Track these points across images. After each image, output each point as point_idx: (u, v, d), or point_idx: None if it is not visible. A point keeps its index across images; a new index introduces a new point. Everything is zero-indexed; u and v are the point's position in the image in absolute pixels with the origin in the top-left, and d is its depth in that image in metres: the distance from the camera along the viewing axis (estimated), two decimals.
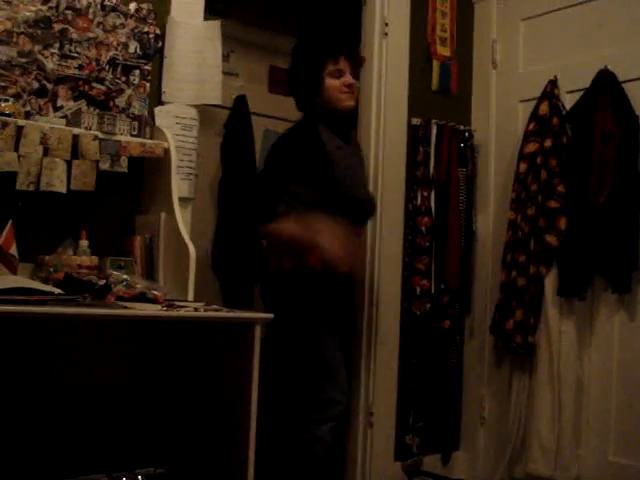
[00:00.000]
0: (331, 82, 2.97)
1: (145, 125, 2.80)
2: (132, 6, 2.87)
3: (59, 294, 2.05)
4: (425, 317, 3.76)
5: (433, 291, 3.76)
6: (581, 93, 3.53)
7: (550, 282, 3.50)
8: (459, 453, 3.96)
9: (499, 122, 3.98)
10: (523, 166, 3.63)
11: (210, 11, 3.27)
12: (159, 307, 2.18)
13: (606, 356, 3.45)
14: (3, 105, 2.48)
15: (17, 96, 2.58)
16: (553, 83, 3.61)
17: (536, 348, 3.55)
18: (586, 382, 3.50)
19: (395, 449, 3.74)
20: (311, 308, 2.89)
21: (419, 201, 3.76)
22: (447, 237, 3.80)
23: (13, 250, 2.40)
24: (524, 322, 3.55)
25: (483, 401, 3.91)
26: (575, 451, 3.48)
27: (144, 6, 2.90)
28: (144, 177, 2.84)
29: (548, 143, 3.53)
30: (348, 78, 2.98)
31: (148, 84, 2.90)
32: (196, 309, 2.22)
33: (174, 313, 2.15)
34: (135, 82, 2.86)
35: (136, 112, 2.83)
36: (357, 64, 3.09)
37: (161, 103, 2.94)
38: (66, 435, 2.15)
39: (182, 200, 2.81)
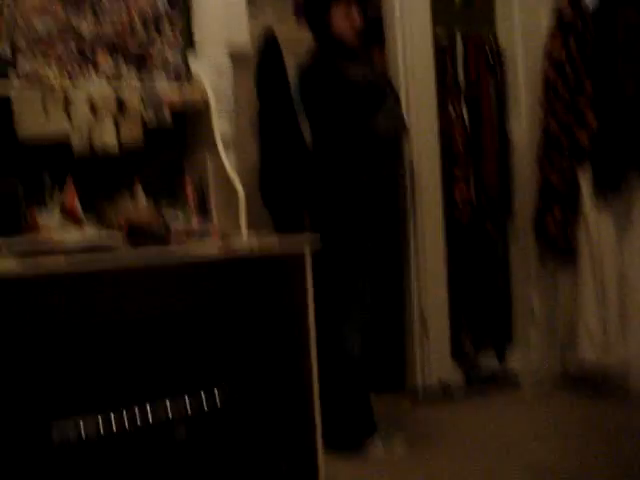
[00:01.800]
0: (338, 21, 3.17)
1: (181, 74, 2.95)
2: None
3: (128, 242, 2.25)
4: (469, 222, 3.91)
5: (474, 198, 3.90)
6: None
7: (585, 178, 3.62)
8: (513, 348, 4.14)
9: (523, 25, 4.01)
10: (549, 66, 3.72)
11: None
12: (216, 244, 2.37)
13: None
14: (49, 73, 2.64)
15: (59, 62, 2.74)
16: None
17: (576, 243, 3.69)
18: (627, 272, 3.63)
19: (451, 348, 3.95)
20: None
21: (452, 111, 3.86)
22: (482, 145, 3.92)
23: (76, 206, 2.61)
24: (563, 220, 3.68)
25: (532, 298, 4.07)
26: (621, 336, 3.64)
27: None
28: (187, 124, 3.00)
29: (572, 42, 3.62)
30: (353, 17, 3.20)
31: (179, 33, 3.03)
32: (250, 241, 2.41)
33: (234, 250, 2.34)
34: (167, 33, 2.99)
35: (171, 61, 2.98)
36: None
37: (192, 46, 3.07)
38: (138, 362, 2.36)
39: (224, 139, 2.97)
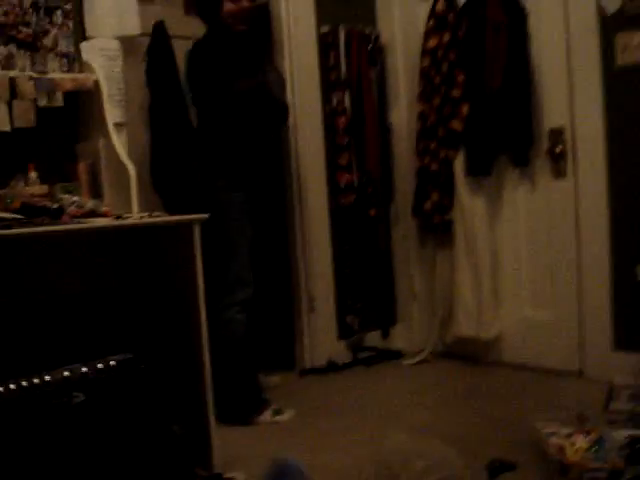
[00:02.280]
0: (228, 5, 3.30)
1: (73, 61, 3.05)
2: None
3: (21, 218, 2.36)
4: (352, 208, 4.14)
5: (356, 184, 4.12)
6: None
7: (459, 164, 3.89)
8: (397, 327, 4.39)
9: (402, 21, 4.29)
10: (426, 61, 3.96)
11: None
12: (110, 219, 2.51)
13: (514, 225, 3.87)
14: None
15: None
16: None
17: (453, 225, 3.96)
18: (499, 250, 3.92)
19: (338, 329, 4.16)
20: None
21: (335, 103, 4.08)
22: (364, 133, 4.14)
23: None
24: (440, 203, 3.94)
25: (413, 279, 4.34)
26: (495, 311, 3.92)
27: None
28: (79, 108, 3.10)
29: (446, 37, 3.86)
30: (243, 2, 3.30)
31: (71, 22, 3.12)
32: (142, 217, 2.55)
33: (125, 222, 2.48)
34: (59, 22, 3.08)
35: (63, 50, 3.08)
36: None
37: (85, 39, 3.17)
38: (45, 337, 2.49)
39: (117, 125, 3.09)
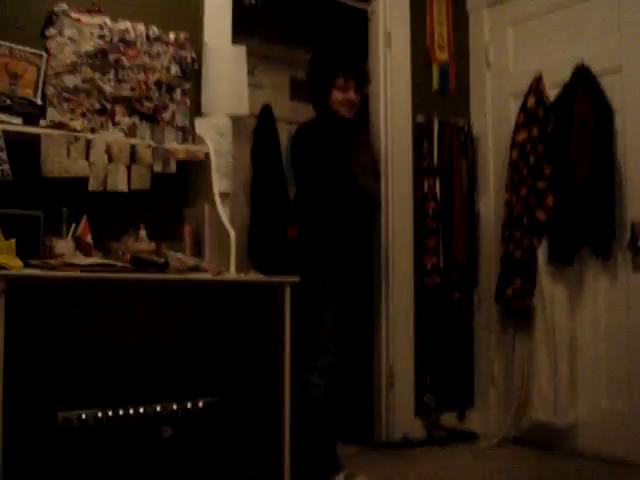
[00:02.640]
0: (336, 95, 3.56)
1: (188, 134, 3.37)
2: (172, 35, 3.45)
3: (131, 267, 2.63)
4: (437, 290, 4.29)
5: (442, 267, 4.29)
6: (563, 87, 4.03)
7: (542, 252, 4.02)
8: (473, 409, 4.47)
9: (494, 115, 4.51)
10: (515, 153, 4.15)
11: (237, 31, 3.82)
12: (210, 274, 2.76)
13: (594, 314, 3.94)
14: (74, 123, 3.05)
15: (84, 115, 3.17)
16: (538, 79, 4.12)
17: (533, 311, 4.06)
18: (578, 338, 3.99)
19: (415, 406, 4.27)
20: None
21: (426, 188, 4.30)
22: (452, 219, 4.33)
23: (89, 239, 2.99)
24: (522, 289, 4.06)
25: (492, 362, 4.42)
26: (571, 399, 3.97)
27: (182, 35, 3.48)
28: (189, 177, 3.40)
29: (535, 131, 4.05)
30: (350, 95, 3.56)
31: (188, 100, 3.47)
32: (239, 276, 2.80)
33: (225, 277, 2.73)
34: (178, 99, 3.43)
35: (180, 123, 3.41)
36: (362, 82, 3.64)
37: (200, 115, 3.51)
38: (145, 378, 2.74)
39: (221, 194, 3.37)
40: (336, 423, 3.66)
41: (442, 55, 4.51)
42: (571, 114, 3.91)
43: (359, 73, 3.66)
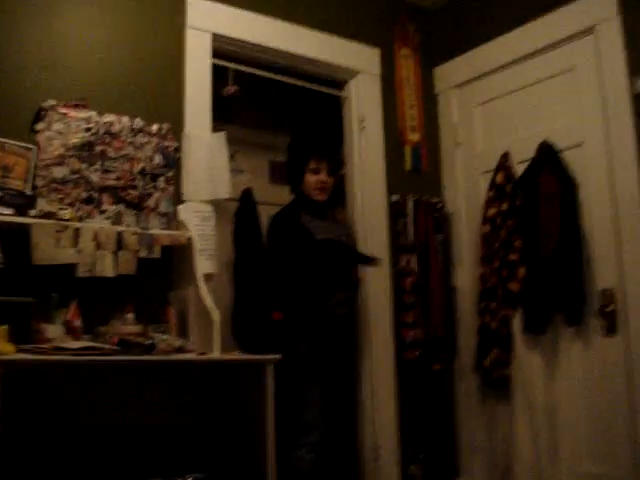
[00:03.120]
0: (309, 178, 3.78)
1: (171, 220, 3.53)
2: (155, 127, 3.63)
3: (119, 349, 2.74)
4: (417, 362, 4.40)
5: (422, 340, 4.41)
6: (529, 162, 4.23)
7: (517, 322, 4.15)
8: (458, 479, 4.53)
9: (466, 192, 4.70)
10: (486, 227, 4.32)
11: (216, 118, 4.02)
12: (194, 356, 2.87)
13: (570, 380, 4.03)
14: (63, 213, 3.20)
15: (72, 204, 3.32)
16: (505, 156, 4.32)
17: (511, 380, 4.18)
18: (556, 405, 4.09)
19: (401, 479, 4.33)
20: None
21: (403, 264, 4.45)
22: (429, 293, 4.47)
23: (78, 323, 3.11)
24: (499, 358, 4.18)
25: (475, 432, 4.50)
26: (554, 465, 4.06)
27: (164, 126, 3.66)
28: (174, 260, 3.54)
29: (505, 206, 4.22)
30: (321, 177, 3.77)
31: (171, 187, 3.64)
32: (222, 355, 2.91)
33: (208, 357, 2.85)
34: (161, 186, 3.60)
35: (164, 210, 3.57)
36: (334, 164, 3.84)
37: (182, 201, 3.66)
38: (131, 458, 2.83)
39: (206, 276, 3.51)
40: None
41: (414, 136, 4.73)
42: (537, 189, 4.09)
43: (330, 156, 3.86)
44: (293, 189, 3.98)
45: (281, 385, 3.47)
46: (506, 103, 4.53)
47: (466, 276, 4.62)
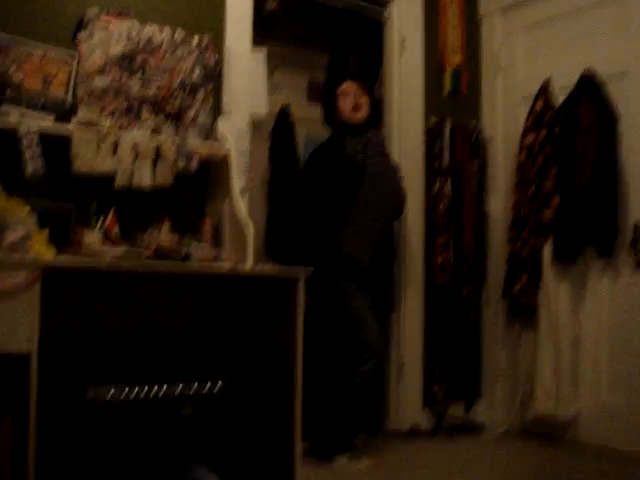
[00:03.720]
0: (342, 102, 3.77)
1: (210, 133, 3.55)
2: (196, 39, 3.63)
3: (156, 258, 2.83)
4: (446, 285, 4.46)
5: (452, 263, 4.45)
6: (570, 91, 4.18)
7: (548, 251, 4.17)
8: (480, 401, 4.63)
9: (504, 118, 4.68)
10: (523, 154, 4.31)
11: (257, 35, 4.01)
12: (228, 266, 2.94)
13: (597, 312, 4.10)
14: (103, 122, 3.24)
15: (112, 114, 3.36)
16: (547, 83, 4.29)
17: (538, 308, 4.22)
18: (581, 335, 4.15)
19: (423, 397, 4.44)
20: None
21: (437, 187, 4.46)
22: (462, 217, 4.49)
23: (115, 231, 3.18)
24: (527, 286, 4.22)
25: (499, 357, 4.58)
26: (573, 393, 4.13)
27: (205, 38, 3.65)
28: (210, 174, 3.58)
29: (543, 134, 4.21)
30: (352, 99, 3.74)
31: (211, 100, 3.65)
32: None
33: (241, 270, 2.91)
34: (200, 99, 3.61)
35: (202, 123, 3.59)
36: (366, 84, 3.82)
37: (221, 115, 3.68)
38: (167, 360, 2.94)
39: (240, 190, 3.55)
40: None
41: (455, 58, 4.67)
42: (576, 119, 4.07)
43: (359, 77, 3.85)
44: (328, 120, 3.96)
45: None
46: (550, 30, 4.47)
47: (500, 203, 4.63)
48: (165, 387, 2.76)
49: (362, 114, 3.87)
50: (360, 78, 3.87)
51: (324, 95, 4.01)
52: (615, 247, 3.97)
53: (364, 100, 3.88)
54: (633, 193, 3.92)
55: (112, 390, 2.65)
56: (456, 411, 4.56)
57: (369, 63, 4.30)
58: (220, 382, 2.88)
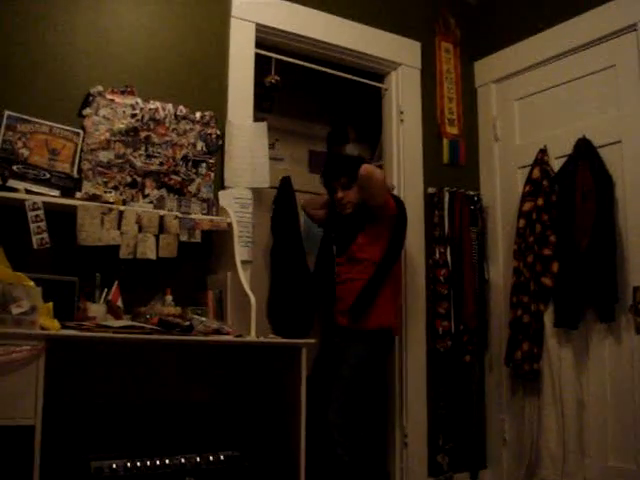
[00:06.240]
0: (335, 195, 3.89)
1: (212, 205, 3.61)
2: (198, 114, 3.72)
3: (159, 329, 2.85)
4: (448, 353, 4.46)
5: (453, 331, 4.46)
6: (566, 158, 4.25)
7: (548, 317, 4.19)
8: (486, 470, 4.59)
9: (502, 186, 4.75)
10: (522, 222, 4.35)
11: (258, 109, 4.12)
12: (232, 337, 2.96)
13: (600, 376, 4.08)
14: (108, 196, 3.30)
15: (115, 188, 3.43)
16: (543, 151, 4.37)
17: (541, 374, 4.22)
18: (585, 399, 4.13)
19: (428, 467, 4.40)
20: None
21: (437, 256, 4.50)
22: (463, 285, 4.52)
23: (119, 303, 3.21)
24: (530, 352, 4.22)
25: (503, 424, 4.55)
26: (580, 459, 4.10)
27: (207, 113, 3.75)
28: (213, 245, 3.64)
29: (540, 201, 4.26)
30: (337, 194, 3.92)
31: (213, 173, 3.74)
32: (259, 338, 3.00)
33: (246, 339, 2.94)
34: (202, 172, 3.69)
35: (204, 196, 3.66)
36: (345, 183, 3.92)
37: (223, 187, 3.76)
38: (169, 434, 2.94)
39: (243, 262, 3.60)
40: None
41: (452, 129, 4.77)
42: (574, 184, 4.12)
43: (342, 173, 3.94)
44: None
45: None
46: (545, 99, 4.56)
47: (499, 270, 4.67)
48: (167, 460, 2.75)
49: (347, 211, 3.96)
50: (340, 176, 3.96)
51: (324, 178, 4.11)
52: (616, 311, 3.98)
53: (347, 196, 3.95)
54: (632, 257, 3.95)
55: (115, 463, 2.65)
56: None
57: (370, 130, 4.38)
58: (223, 454, 2.87)
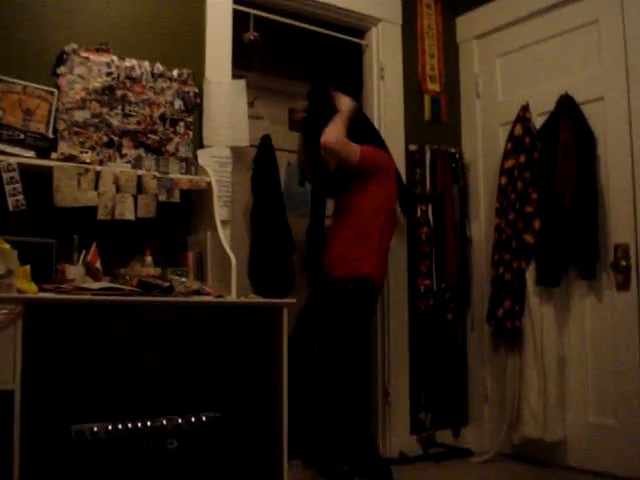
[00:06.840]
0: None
1: (191, 165, 3.56)
2: (175, 72, 3.65)
3: (139, 291, 2.81)
4: (430, 311, 4.47)
5: (435, 289, 4.46)
6: (548, 115, 4.22)
7: (530, 274, 4.18)
8: (468, 426, 4.63)
9: (484, 143, 4.72)
10: (503, 179, 4.33)
11: (237, 66, 4.04)
12: (212, 297, 2.94)
13: (581, 333, 4.11)
14: (84, 156, 3.25)
15: (92, 148, 3.37)
16: (525, 108, 4.32)
17: (522, 331, 4.22)
18: (566, 356, 4.15)
19: (410, 424, 4.43)
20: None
21: (419, 214, 4.48)
22: (445, 243, 4.51)
23: (97, 265, 3.17)
24: (511, 310, 4.23)
25: (485, 381, 4.59)
26: (560, 415, 4.13)
27: (184, 71, 3.68)
28: (192, 205, 3.59)
29: (522, 159, 4.23)
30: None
31: (191, 132, 3.68)
32: (240, 298, 2.98)
33: (226, 300, 2.91)
34: (181, 131, 3.63)
35: (183, 155, 3.61)
36: None
37: (202, 146, 3.71)
38: (151, 395, 2.92)
39: (222, 222, 3.56)
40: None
41: (434, 86, 4.72)
42: (556, 141, 4.09)
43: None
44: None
45: None
46: (527, 55, 4.52)
47: (481, 227, 4.66)
48: (149, 422, 2.74)
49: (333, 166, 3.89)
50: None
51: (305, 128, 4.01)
52: (597, 268, 4.00)
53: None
54: (613, 214, 3.95)
55: (96, 426, 2.63)
56: (444, 437, 4.55)
57: (351, 87, 4.31)
58: (205, 415, 2.86)
